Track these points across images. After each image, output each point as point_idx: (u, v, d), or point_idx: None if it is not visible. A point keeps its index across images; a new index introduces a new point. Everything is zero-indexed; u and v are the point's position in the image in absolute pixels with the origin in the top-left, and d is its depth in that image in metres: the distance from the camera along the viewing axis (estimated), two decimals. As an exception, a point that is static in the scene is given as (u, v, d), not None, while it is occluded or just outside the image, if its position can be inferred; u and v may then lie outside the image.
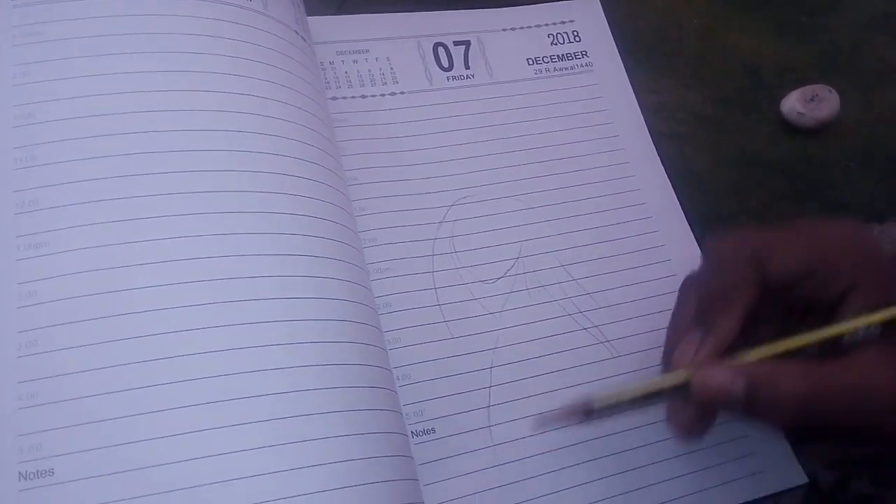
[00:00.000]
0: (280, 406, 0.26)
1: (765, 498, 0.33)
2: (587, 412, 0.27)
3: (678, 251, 0.38)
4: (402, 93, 0.39)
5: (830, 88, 0.43)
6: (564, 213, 0.37)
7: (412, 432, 0.31)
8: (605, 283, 0.36)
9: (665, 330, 0.34)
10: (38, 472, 0.23)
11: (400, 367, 0.32)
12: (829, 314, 0.28)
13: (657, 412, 0.32)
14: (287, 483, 0.25)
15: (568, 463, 0.32)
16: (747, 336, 0.29)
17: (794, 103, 0.42)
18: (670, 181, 0.39)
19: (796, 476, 0.34)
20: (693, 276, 0.31)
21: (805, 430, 0.28)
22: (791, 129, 0.43)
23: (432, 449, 0.31)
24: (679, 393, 0.27)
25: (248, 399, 0.25)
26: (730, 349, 0.28)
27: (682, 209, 0.39)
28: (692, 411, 0.29)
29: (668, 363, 0.30)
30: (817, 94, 0.42)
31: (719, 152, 0.42)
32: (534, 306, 0.35)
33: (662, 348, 0.32)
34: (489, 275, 0.35)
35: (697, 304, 0.30)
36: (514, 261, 0.36)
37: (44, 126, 0.26)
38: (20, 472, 0.23)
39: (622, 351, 0.35)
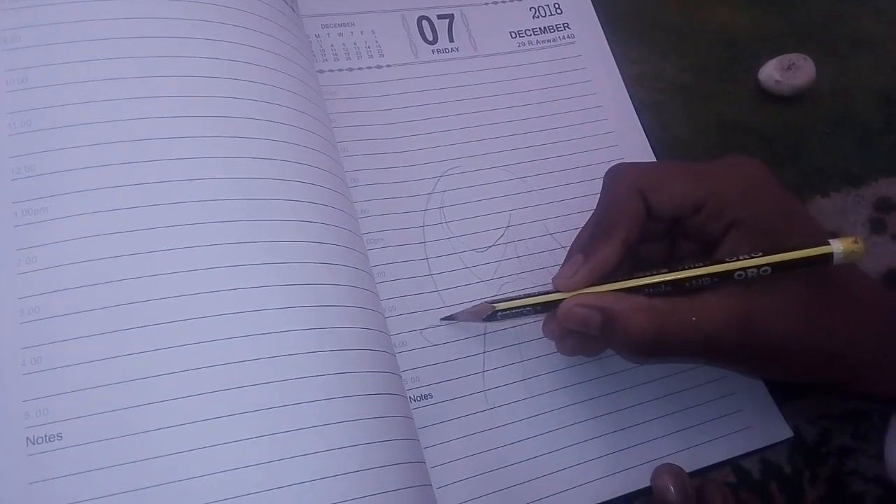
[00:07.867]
0: (283, 368, 0.26)
1: (752, 452, 0.34)
2: (489, 314, 0.31)
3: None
4: (388, 66, 0.39)
5: (806, 57, 0.43)
6: (551, 183, 0.38)
7: (410, 398, 0.31)
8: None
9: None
10: (46, 436, 0.23)
11: (396, 335, 0.32)
12: (715, 247, 0.30)
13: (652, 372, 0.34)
14: (292, 443, 0.25)
15: (562, 423, 0.33)
16: (638, 262, 0.31)
17: (771, 71, 0.43)
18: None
19: (782, 431, 0.35)
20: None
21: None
22: (768, 96, 0.44)
23: (430, 413, 0.31)
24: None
25: (252, 361, 0.26)
26: (611, 275, 0.30)
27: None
28: (558, 327, 0.31)
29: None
30: (794, 63, 0.43)
31: (698, 120, 0.43)
32: (524, 273, 0.35)
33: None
34: (480, 243, 0.35)
35: (590, 230, 0.31)
36: (503, 229, 0.36)
37: (38, 91, 0.26)
38: (28, 437, 0.23)
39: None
